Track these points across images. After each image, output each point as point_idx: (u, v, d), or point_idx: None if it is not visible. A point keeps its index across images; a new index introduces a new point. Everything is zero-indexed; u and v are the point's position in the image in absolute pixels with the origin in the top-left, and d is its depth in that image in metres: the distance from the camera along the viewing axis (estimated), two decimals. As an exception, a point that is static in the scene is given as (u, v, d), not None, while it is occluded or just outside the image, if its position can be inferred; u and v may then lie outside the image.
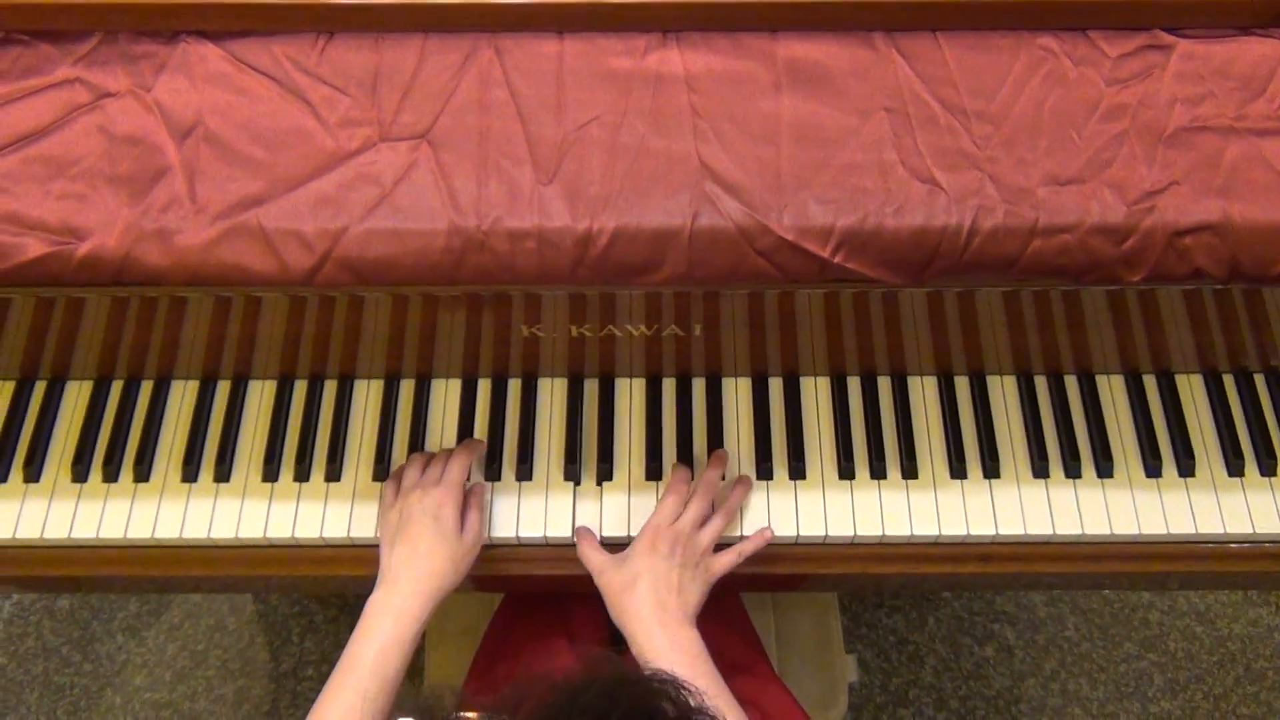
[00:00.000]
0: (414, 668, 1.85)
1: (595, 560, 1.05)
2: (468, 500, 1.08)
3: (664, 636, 0.96)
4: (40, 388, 1.18)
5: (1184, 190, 0.93)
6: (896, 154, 0.94)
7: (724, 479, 1.11)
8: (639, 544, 1.03)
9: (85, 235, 0.91)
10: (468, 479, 1.10)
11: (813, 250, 0.92)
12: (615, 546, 1.11)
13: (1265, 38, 0.99)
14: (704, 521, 1.05)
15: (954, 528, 1.10)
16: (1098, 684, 1.86)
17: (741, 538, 1.09)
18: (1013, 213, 0.92)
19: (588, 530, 1.10)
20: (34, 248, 0.91)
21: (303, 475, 1.13)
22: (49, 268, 0.91)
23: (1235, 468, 1.13)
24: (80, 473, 1.14)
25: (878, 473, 1.13)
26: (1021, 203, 0.92)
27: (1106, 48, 0.99)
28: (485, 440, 1.15)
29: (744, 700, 1.11)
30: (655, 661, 0.94)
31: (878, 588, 1.79)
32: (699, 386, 1.18)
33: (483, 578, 1.12)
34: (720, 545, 1.06)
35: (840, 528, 1.10)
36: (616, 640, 1.25)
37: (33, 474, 1.14)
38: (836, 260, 0.92)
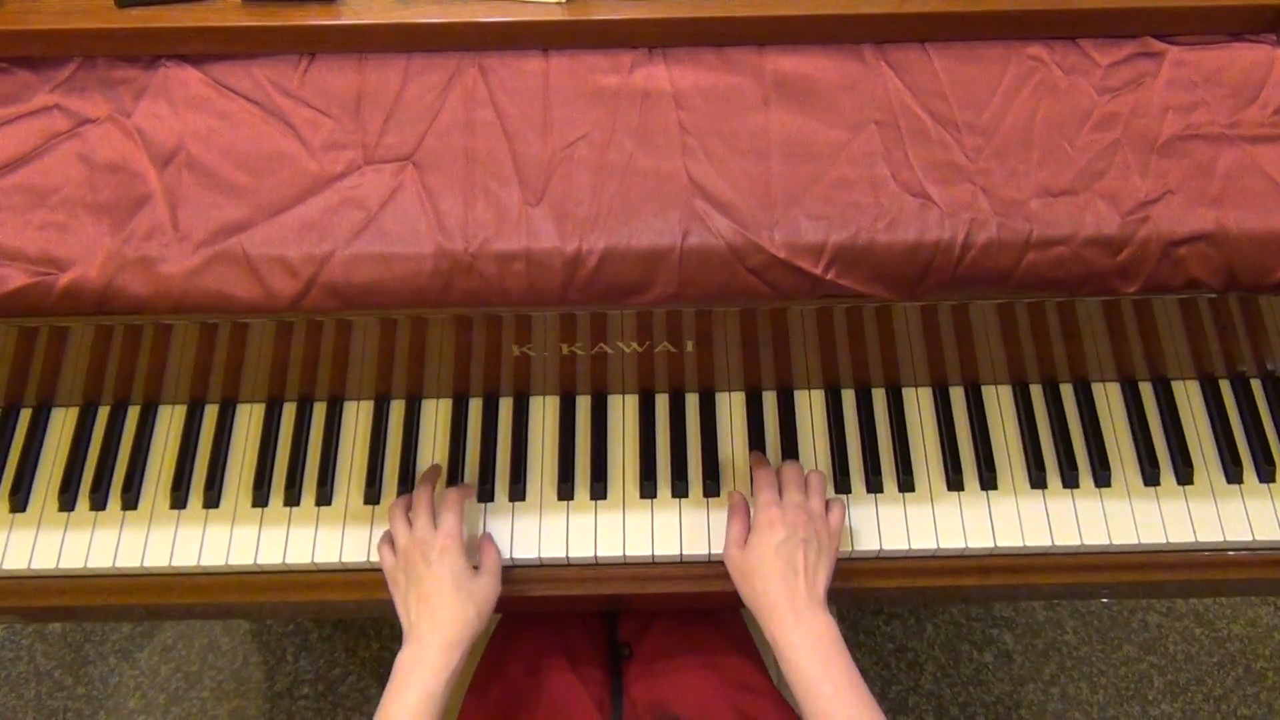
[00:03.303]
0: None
1: (731, 533, 1.04)
2: (483, 544, 1.07)
3: (798, 626, 0.94)
4: (25, 415, 1.17)
5: (1178, 200, 0.92)
6: (888, 168, 0.93)
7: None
8: (758, 528, 1.01)
9: (66, 265, 0.90)
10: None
11: (805, 267, 0.91)
12: (611, 567, 1.11)
13: (1256, 44, 0.98)
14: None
15: (952, 541, 1.09)
16: (1098, 687, 1.85)
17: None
18: (1006, 226, 0.91)
19: (744, 506, 1.06)
20: (14, 279, 0.89)
21: (293, 500, 1.12)
22: (30, 299, 0.90)
23: (1233, 475, 1.12)
24: (67, 501, 1.12)
25: (874, 486, 1.12)
26: (1015, 215, 0.91)
27: (1097, 56, 0.98)
28: (475, 485, 1.13)
29: (750, 720, 1.11)
30: (790, 655, 0.93)
31: (876, 601, 1.78)
32: (693, 402, 1.17)
33: (477, 600, 1.11)
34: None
35: (837, 543, 1.09)
36: (616, 659, 1.25)
37: (19, 503, 1.12)
38: (829, 277, 0.91)
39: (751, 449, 1.13)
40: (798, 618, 0.95)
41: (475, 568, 1.04)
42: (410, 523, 1.05)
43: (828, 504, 1.05)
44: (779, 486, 1.05)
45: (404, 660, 0.97)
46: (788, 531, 0.99)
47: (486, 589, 1.02)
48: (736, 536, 1.03)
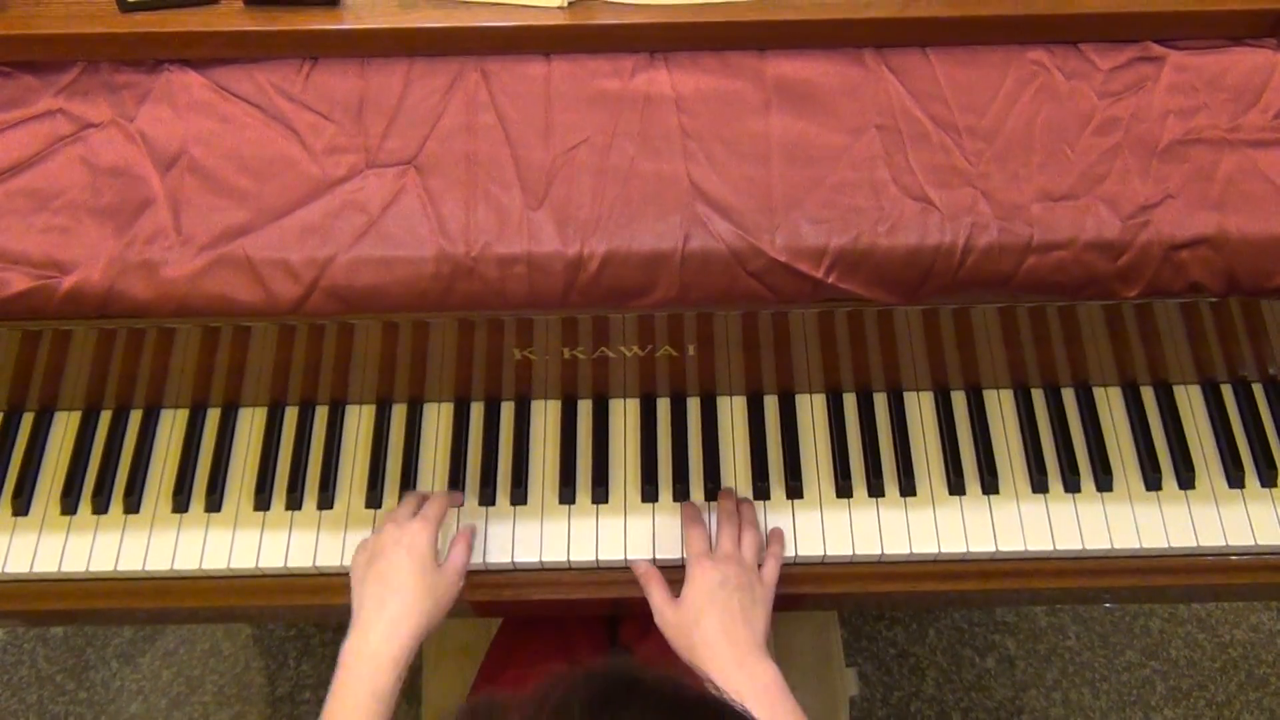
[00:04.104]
0: (412, 688, 1.84)
1: (655, 599, 1.01)
2: (456, 538, 1.05)
3: (742, 674, 0.92)
4: (28, 419, 1.17)
5: (1179, 204, 0.92)
6: (888, 172, 0.93)
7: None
8: (691, 580, 1.00)
9: (69, 269, 0.90)
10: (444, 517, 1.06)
11: (806, 271, 0.91)
12: (613, 570, 1.11)
13: (1257, 48, 0.98)
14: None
15: (953, 545, 1.09)
16: (1100, 693, 1.85)
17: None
18: (1007, 230, 0.91)
19: (654, 572, 1.05)
20: (17, 282, 0.90)
21: (295, 504, 1.12)
22: (33, 302, 0.90)
23: (1235, 479, 1.12)
24: (70, 505, 1.12)
25: (875, 490, 1.12)
26: (1015, 219, 0.91)
27: (1098, 60, 0.98)
28: (463, 494, 1.13)
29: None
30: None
31: (877, 605, 1.79)
32: (694, 406, 1.17)
33: (480, 603, 1.11)
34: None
35: (838, 547, 1.09)
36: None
37: (21, 507, 1.12)
38: (830, 281, 0.91)
39: (684, 503, 1.10)
40: (741, 665, 0.92)
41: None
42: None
43: (762, 564, 1.04)
44: (710, 539, 1.04)
45: (349, 650, 0.92)
46: (721, 577, 0.98)
47: (447, 585, 1.00)
48: (665, 597, 1.01)
